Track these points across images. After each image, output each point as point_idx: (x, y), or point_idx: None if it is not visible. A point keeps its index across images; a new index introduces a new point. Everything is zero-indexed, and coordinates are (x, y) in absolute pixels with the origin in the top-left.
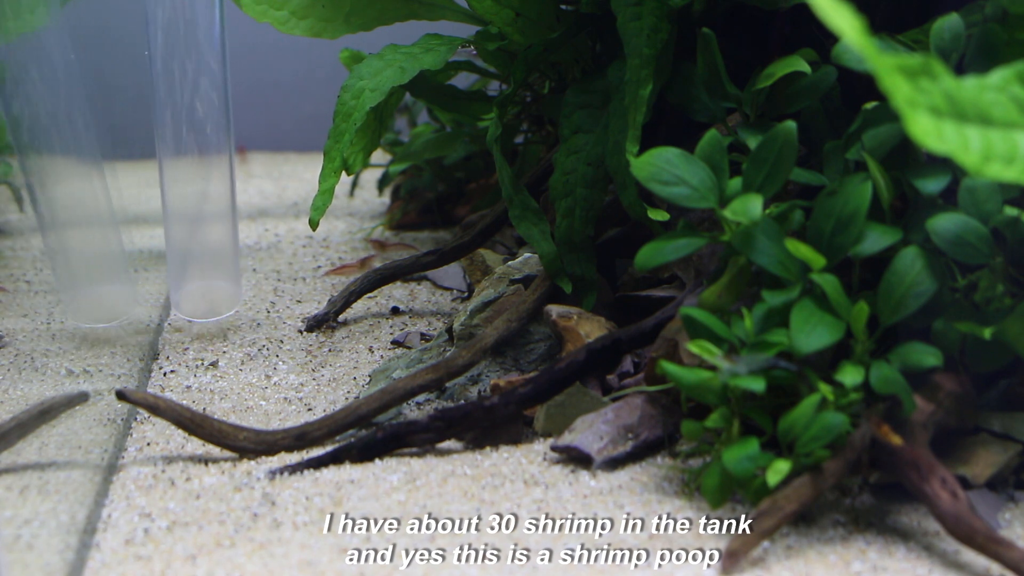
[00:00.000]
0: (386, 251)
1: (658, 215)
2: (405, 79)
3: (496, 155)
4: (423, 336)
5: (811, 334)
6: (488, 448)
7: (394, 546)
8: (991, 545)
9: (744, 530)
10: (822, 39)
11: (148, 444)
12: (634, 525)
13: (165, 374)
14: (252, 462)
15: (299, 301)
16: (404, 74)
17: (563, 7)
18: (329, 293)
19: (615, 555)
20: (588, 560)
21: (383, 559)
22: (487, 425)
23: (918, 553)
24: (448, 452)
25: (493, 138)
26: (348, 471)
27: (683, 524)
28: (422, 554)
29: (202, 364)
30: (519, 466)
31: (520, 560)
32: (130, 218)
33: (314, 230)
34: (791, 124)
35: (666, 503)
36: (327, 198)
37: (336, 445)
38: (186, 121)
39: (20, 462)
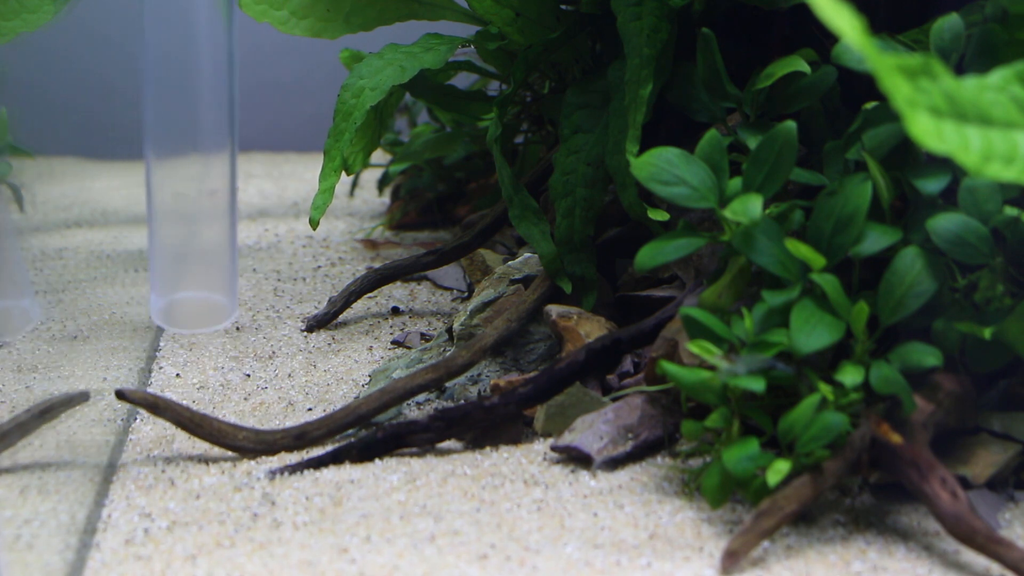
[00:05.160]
0: (378, 251)
1: (658, 215)
2: (405, 78)
3: (496, 155)
4: (423, 336)
5: (811, 334)
6: (488, 448)
7: (394, 546)
8: (991, 545)
9: (744, 530)
10: (822, 39)
11: (148, 444)
12: (634, 525)
13: (165, 373)
14: (252, 462)
15: (299, 301)
16: (404, 73)
17: (563, 7)
18: (329, 293)
19: (615, 555)
20: (588, 560)
21: (383, 559)
22: (487, 425)
23: (918, 553)
24: (448, 452)
25: (493, 138)
26: (348, 471)
27: (683, 524)
28: (422, 554)
29: (203, 364)
30: (519, 466)
31: (520, 560)
32: (130, 218)
33: (314, 229)
34: (791, 124)
35: (666, 503)
36: (327, 197)
37: (336, 445)
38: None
39: (20, 462)
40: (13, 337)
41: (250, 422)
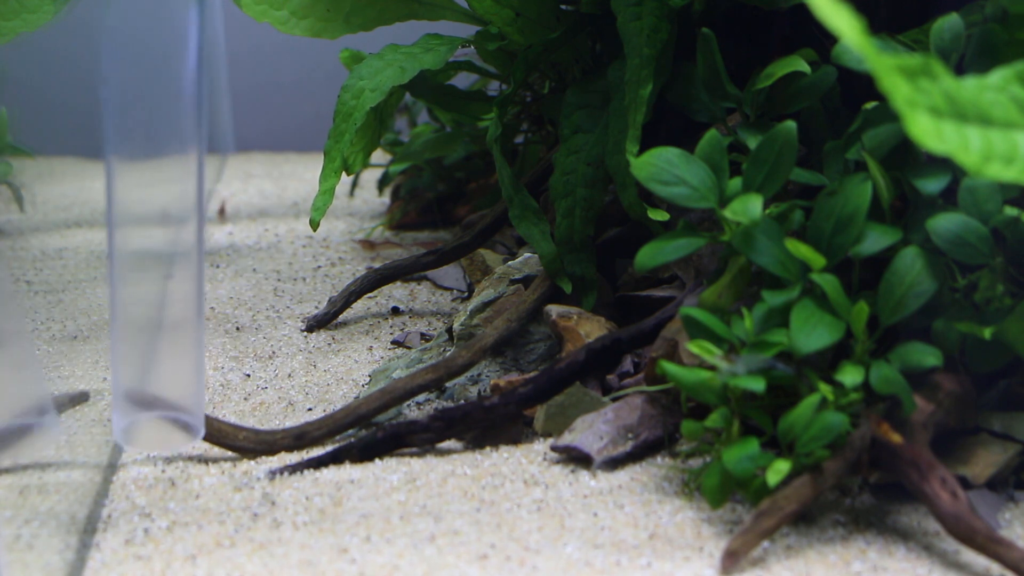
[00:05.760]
0: (377, 251)
1: (658, 215)
2: (405, 79)
3: (496, 155)
4: (423, 336)
5: (811, 334)
6: (488, 448)
7: (394, 546)
8: (991, 545)
9: (744, 530)
10: (822, 39)
11: None
12: (634, 525)
13: None
14: (252, 462)
15: (299, 301)
16: (404, 74)
17: (563, 7)
18: (329, 293)
19: (615, 555)
20: (588, 560)
21: (383, 559)
22: (487, 425)
23: (918, 553)
24: (448, 452)
25: (493, 138)
26: (348, 471)
27: (683, 524)
28: (422, 554)
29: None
30: (519, 466)
31: (520, 560)
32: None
33: (315, 230)
34: (791, 124)
35: (666, 503)
36: (328, 198)
37: (336, 445)
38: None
39: (20, 462)
40: (31, 457)
41: (250, 422)
